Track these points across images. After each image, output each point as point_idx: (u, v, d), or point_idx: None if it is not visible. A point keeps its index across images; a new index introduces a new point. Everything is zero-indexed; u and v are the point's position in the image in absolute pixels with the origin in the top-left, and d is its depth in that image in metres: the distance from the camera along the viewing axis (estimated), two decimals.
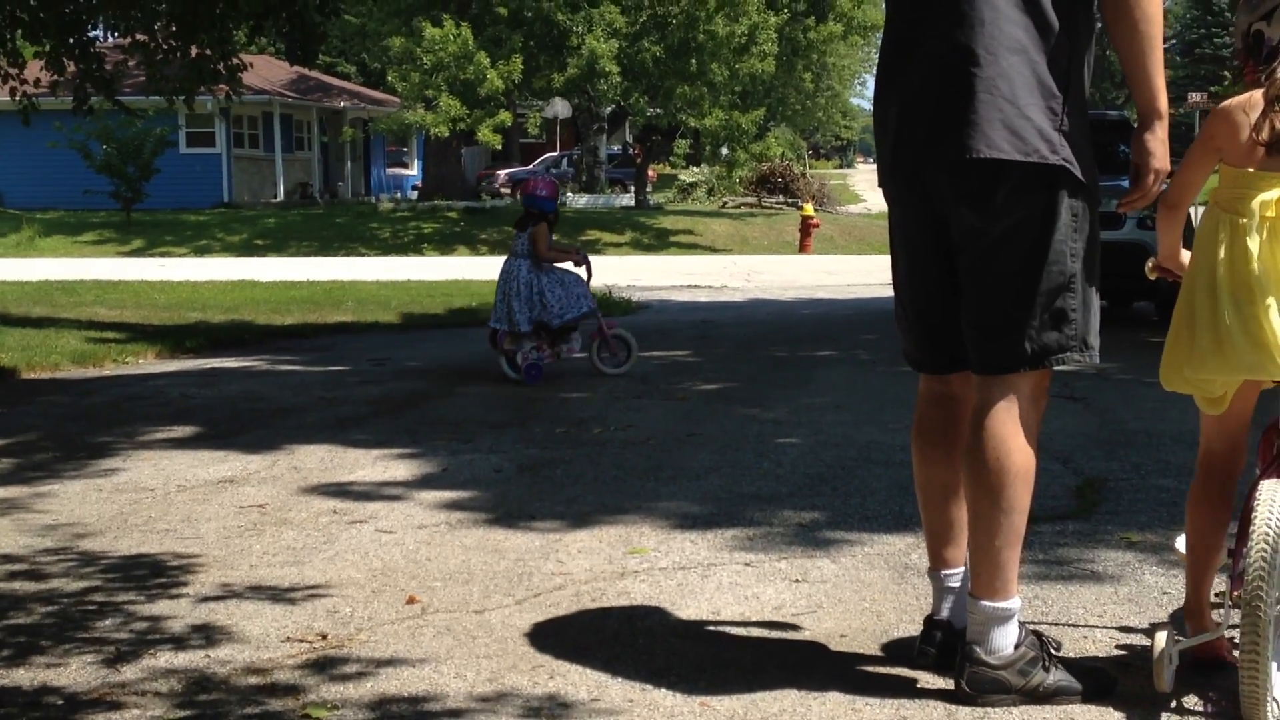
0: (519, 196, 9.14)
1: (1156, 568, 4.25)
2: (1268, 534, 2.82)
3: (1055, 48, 3.04)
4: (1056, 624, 3.72)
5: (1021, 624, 3.17)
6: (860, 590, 4.08)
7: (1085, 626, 3.71)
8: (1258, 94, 3.07)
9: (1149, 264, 3.41)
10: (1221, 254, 3.04)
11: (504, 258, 9.10)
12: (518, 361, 8.76)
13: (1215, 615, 3.68)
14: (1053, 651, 3.20)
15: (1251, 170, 3.04)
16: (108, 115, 17.24)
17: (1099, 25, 3.15)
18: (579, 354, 8.97)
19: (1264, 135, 3.02)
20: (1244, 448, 3.31)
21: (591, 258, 9.00)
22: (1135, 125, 3.11)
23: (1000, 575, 3.11)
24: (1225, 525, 3.31)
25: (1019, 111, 3.01)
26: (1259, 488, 2.95)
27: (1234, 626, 2.88)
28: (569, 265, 9.05)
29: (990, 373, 3.15)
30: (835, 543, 4.63)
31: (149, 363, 10.37)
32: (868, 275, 19.95)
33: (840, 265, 23.64)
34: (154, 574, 4.36)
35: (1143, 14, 3.00)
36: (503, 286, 8.77)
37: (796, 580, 4.20)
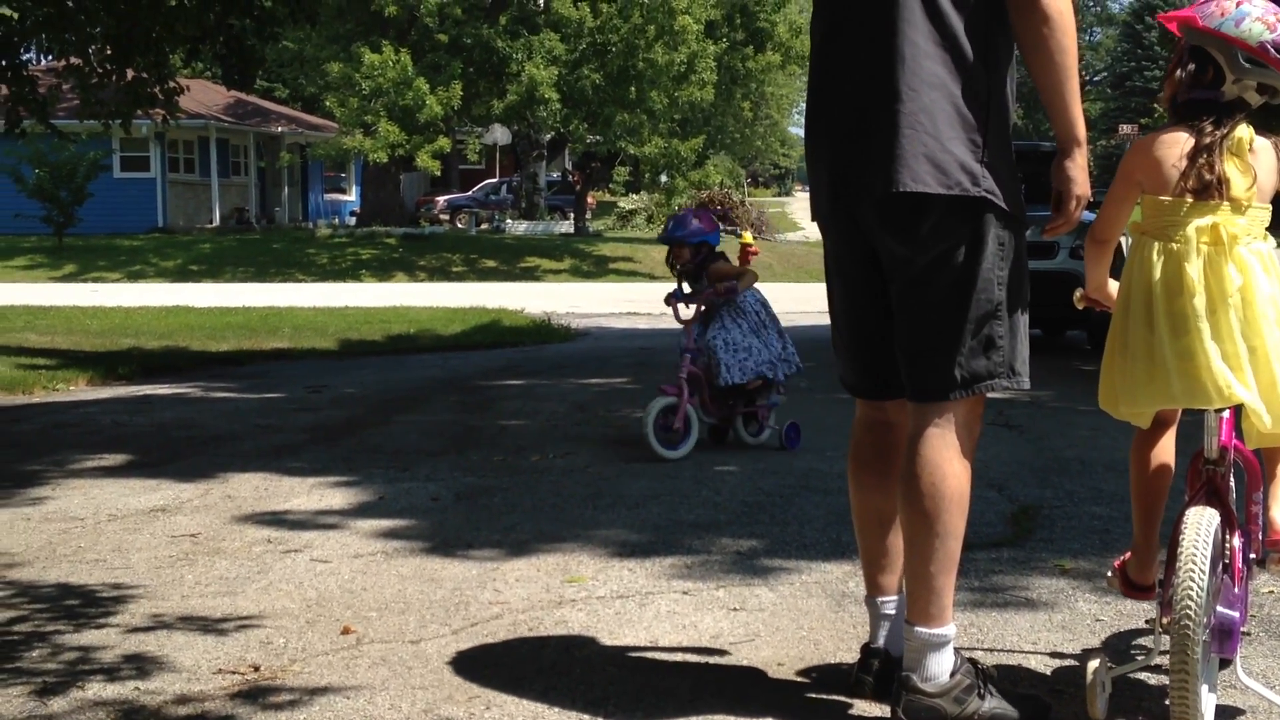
0: (718, 228, 7.72)
1: (1090, 595, 4.29)
2: (1194, 558, 2.86)
3: (973, 81, 3.08)
4: (992, 650, 3.74)
5: (957, 651, 3.19)
6: (798, 618, 4.08)
7: (1020, 653, 3.73)
8: (1181, 135, 3.12)
9: (1077, 294, 3.47)
10: (1157, 279, 3.08)
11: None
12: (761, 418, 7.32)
13: (1145, 641, 3.73)
14: (988, 679, 3.22)
15: (1182, 201, 3.09)
16: (40, 139, 17.02)
17: (1017, 56, 3.20)
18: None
19: (1192, 183, 3.08)
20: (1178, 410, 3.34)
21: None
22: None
23: (936, 601, 3.13)
24: (1171, 471, 3.35)
25: (941, 145, 3.05)
26: (1185, 514, 2.99)
27: (1164, 653, 2.91)
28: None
29: (923, 400, 3.19)
30: (773, 571, 4.64)
31: (80, 390, 10.22)
32: (806, 303, 20.05)
33: (778, 293, 23.65)
34: (83, 605, 4.29)
35: (1058, 46, 3.04)
36: (774, 319, 7.55)
37: (734, 609, 4.20)
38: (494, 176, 45.63)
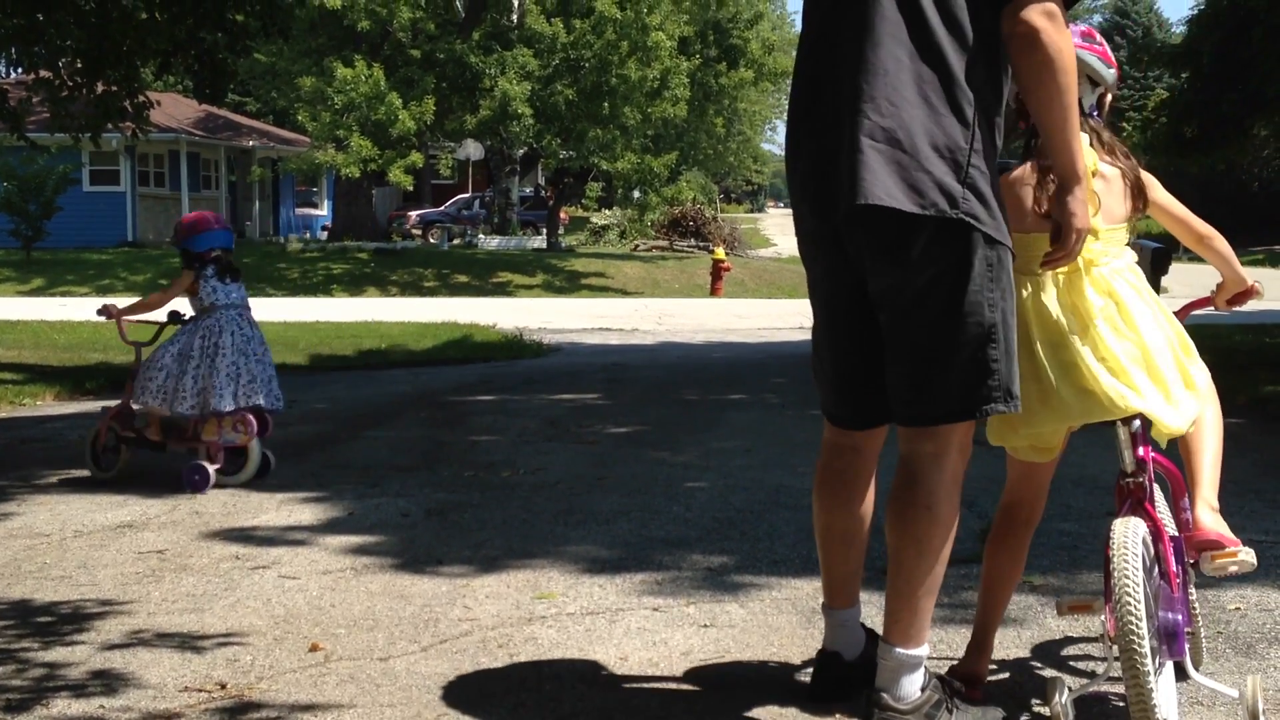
0: (203, 234, 6.79)
1: (1055, 609, 4.29)
2: (1126, 568, 2.92)
3: (959, 101, 3.04)
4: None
5: (925, 667, 3.20)
6: (768, 635, 4.08)
7: (989, 668, 3.74)
8: (1026, 168, 3.29)
9: None
10: (1030, 312, 3.22)
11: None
12: (210, 456, 6.54)
13: (1096, 650, 3.78)
14: (953, 691, 3.24)
15: (1037, 234, 3.21)
16: (8, 152, 16.92)
17: (1009, 82, 3.18)
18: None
19: (1044, 208, 3.20)
20: (1045, 495, 3.49)
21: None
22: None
23: (916, 623, 3.14)
24: (1020, 569, 3.51)
25: (918, 164, 3.01)
26: (1112, 526, 3.05)
27: (1118, 659, 2.94)
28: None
29: (917, 425, 3.17)
30: (743, 587, 4.64)
31: (47, 404, 10.14)
32: (778, 319, 20.10)
33: (751, 309, 23.81)
34: (49, 622, 4.25)
35: (1058, 86, 3.01)
36: (258, 350, 6.80)
37: (705, 625, 4.19)
38: (467, 191, 45.57)
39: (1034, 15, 2.98)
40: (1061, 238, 3.10)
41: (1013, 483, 3.46)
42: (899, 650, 3.13)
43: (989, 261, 3.08)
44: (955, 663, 3.57)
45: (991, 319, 3.08)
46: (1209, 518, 3.22)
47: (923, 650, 3.15)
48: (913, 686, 3.13)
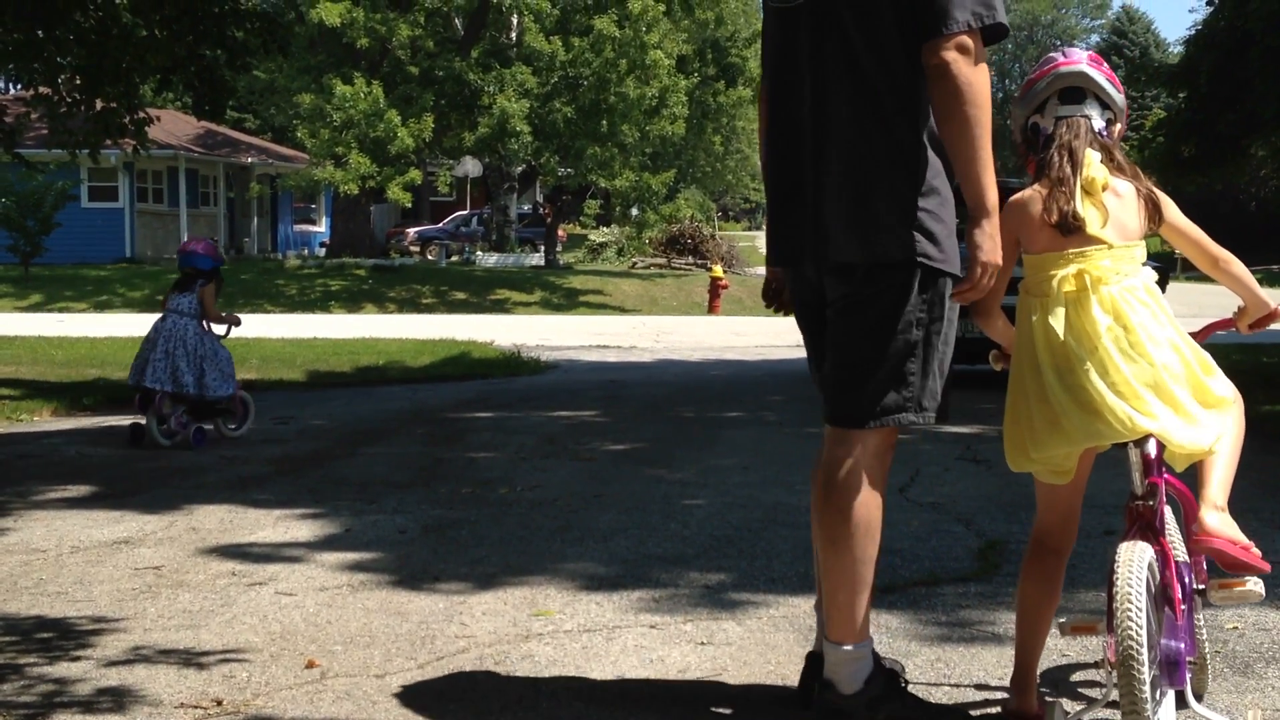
0: (178, 256, 9.17)
1: (1056, 630, 4.29)
2: (1130, 594, 2.89)
3: (903, 145, 3.21)
4: (958, 685, 3.74)
5: (878, 660, 3.36)
6: (765, 653, 4.08)
7: (987, 688, 3.74)
8: (1038, 186, 3.28)
9: (993, 355, 3.50)
10: (1037, 334, 3.21)
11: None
12: (171, 426, 8.57)
13: (1098, 675, 3.77)
14: (903, 686, 3.41)
15: (1048, 254, 3.22)
16: (6, 168, 16.93)
17: None
18: (237, 432, 8.97)
19: (1053, 217, 3.21)
20: (1077, 519, 3.43)
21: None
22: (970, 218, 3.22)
23: (847, 619, 3.29)
24: (1055, 600, 3.44)
25: (866, 214, 3.22)
26: (1118, 550, 3.02)
27: (1117, 685, 2.93)
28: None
29: (836, 425, 3.35)
30: (741, 605, 4.64)
31: (44, 420, 10.14)
32: (776, 337, 20.11)
33: (749, 326, 23.84)
34: (44, 638, 4.24)
35: (968, 117, 3.13)
36: (164, 345, 8.51)
37: (702, 643, 4.19)
38: (465, 209, 45.63)
39: (947, 48, 3.12)
40: (969, 272, 3.17)
41: (1040, 510, 3.41)
42: (836, 646, 3.31)
43: (927, 290, 3.28)
44: (1003, 701, 3.55)
45: (917, 336, 3.30)
46: (1214, 518, 3.11)
47: (863, 645, 3.30)
48: (858, 679, 3.29)
